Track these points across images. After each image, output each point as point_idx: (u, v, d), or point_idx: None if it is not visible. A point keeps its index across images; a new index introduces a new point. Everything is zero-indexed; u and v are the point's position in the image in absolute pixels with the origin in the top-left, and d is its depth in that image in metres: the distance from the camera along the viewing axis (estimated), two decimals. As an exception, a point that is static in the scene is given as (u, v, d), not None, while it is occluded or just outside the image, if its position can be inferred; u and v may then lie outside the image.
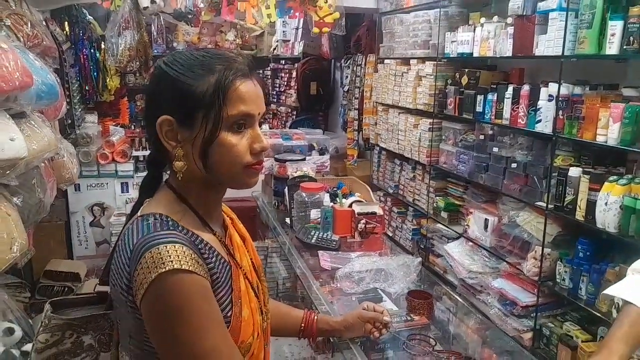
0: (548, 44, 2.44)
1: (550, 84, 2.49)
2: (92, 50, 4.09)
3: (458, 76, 3.29)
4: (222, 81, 0.86)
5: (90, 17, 4.25)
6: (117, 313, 0.90)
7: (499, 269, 2.94)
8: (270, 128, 5.42)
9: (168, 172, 0.95)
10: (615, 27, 2.10)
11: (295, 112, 5.74)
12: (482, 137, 3.07)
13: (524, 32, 2.62)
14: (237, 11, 3.69)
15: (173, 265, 0.79)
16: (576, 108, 2.34)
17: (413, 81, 3.68)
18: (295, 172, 2.56)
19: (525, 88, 2.65)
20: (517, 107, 2.69)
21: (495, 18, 2.91)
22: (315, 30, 3.80)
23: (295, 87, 5.58)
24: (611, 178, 2.17)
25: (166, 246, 0.80)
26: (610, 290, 1.11)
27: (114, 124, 4.63)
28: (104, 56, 4.21)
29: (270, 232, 2.69)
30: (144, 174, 1.00)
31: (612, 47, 2.12)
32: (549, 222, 2.52)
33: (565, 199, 2.38)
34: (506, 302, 2.77)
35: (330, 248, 2.01)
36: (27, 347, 1.73)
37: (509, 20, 2.75)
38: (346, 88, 5.02)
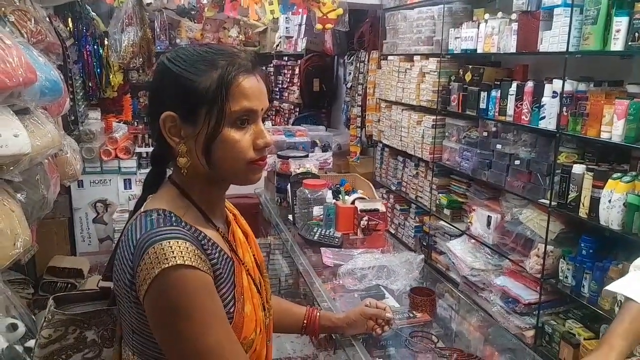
0: (552, 40, 2.43)
1: (554, 80, 2.48)
2: (95, 47, 4.09)
3: (462, 72, 3.28)
4: (225, 77, 0.85)
5: (93, 13, 4.25)
6: (121, 308, 0.90)
7: (501, 266, 2.94)
8: (273, 125, 5.42)
9: (171, 168, 0.95)
10: (620, 23, 2.08)
11: (298, 109, 5.74)
12: (485, 133, 3.07)
13: (528, 28, 2.61)
14: (240, 7, 3.69)
15: (176, 261, 0.79)
16: (580, 105, 2.33)
17: (416, 77, 3.67)
18: (298, 169, 2.55)
19: (529, 84, 2.64)
20: (521, 104, 2.68)
21: (500, 14, 2.90)
22: (319, 26, 3.79)
23: (298, 84, 5.58)
24: (615, 175, 2.16)
25: (169, 242, 0.80)
26: (612, 287, 1.11)
27: (117, 120, 4.64)
28: (107, 52, 4.22)
29: (273, 229, 2.69)
30: (147, 170, 1.00)
31: (617, 43, 2.11)
32: (552, 219, 2.51)
33: (569, 196, 2.37)
34: (509, 299, 2.77)
35: (333, 245, 2.01)
36: (31, 343, 1.74)
37: (513, 16, 2.74)
38: (349, 85, 5.01)
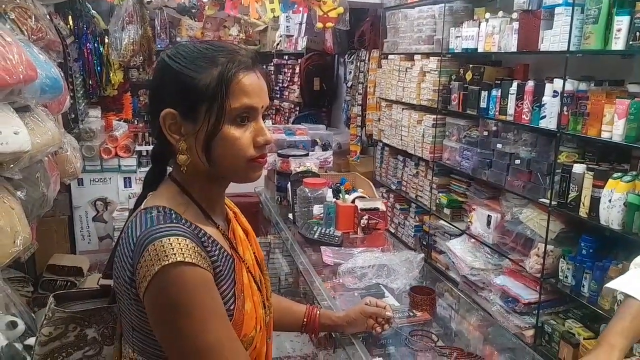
0: (553, 40, 2.43)
1: (555, 79, 2.48)
2: (95, 45, 4.09)
3: (462, 72, 3.27)
4: (225, 74, 0.85)
5: (94, 11, 4.25)
6: (121, 306, 0.90)
7: (501, 265, 2.94)
8: (273, 124, 5.42)
9: (172, 165, 0.95)
10: (621, 23, 2.08)
11: (298, 108, 5.73)
12: (485, 133, 3.06)
13: (529, 27, 2.60)
14: (241, 6, 3.69)
15: (176, 258, 0.78)
16: (581, 104, 2.33)
17: (417, 77, 3.67)
18: (298, 168, 2.55)
19: (530, 84, 2.64)
20: (522, 103, 2.67)
21: (501, 13, 2.89)
22: (319, 25, 3.79)
23: (299, 83, 5.57)
24: (615, 175, 2.16)
25: (169, 239, 0.80)
26: (612, 284, 1.10)
27: (117, 118, 4.63)
28: (107, 50, 4.21)
29: (273, 228, 2.69)
30: (147, 169, 0.99)
31: (618, 43, 2.11)
32: (552, 218, 2.51)
33: (569, 196, 2.37)
34: (508, 299, 2.77)
35: (333, 244, 2.01)
36: (30, 340, 1.74)
37: (514, 15, 2.74)
38: (349, 84, 5.01)
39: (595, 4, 2.20)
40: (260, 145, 0.90)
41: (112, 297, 0.98)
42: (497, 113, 2.88)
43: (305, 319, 1.30)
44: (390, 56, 4.13)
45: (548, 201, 2.51)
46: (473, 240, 3.16)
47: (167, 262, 0.78)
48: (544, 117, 2.53)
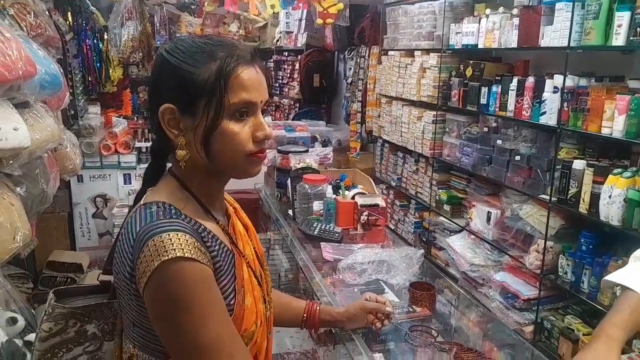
0: (554, 35, 2.42)
1: (555, 75, 2.48)
2: (95, 41, 4.08)
3: (462, 68, 3.27)
4: (223, 68, 0.85)
5: (93, 7, 4.23)
6: (121, 301, 0.90)
7: (501, 262, 2.94)
8: (272, 120, 5.41)
9: (171, 160, 0.95)
10: (622, 18, 2.08)
11: (298, 105, 5.72)
12: (485, 129, 3.06)
13: (529, 23, 2.60)
14: (241, 2, 3.68)
15: (176, 254, 0.78)
16: (581, 100, 2.32)
17: (417, 73, 3.66)
18: (298, 164, 2.55)
19: (530, 80, 2.63)
20: (522, 99, 2.67)
21: (501, 9, 2.89)
22: (319, 21, 3.78)
23: (298, 79, 5.56)
24: (615, 171, 2.16)
25: (169, 234, 0.80)
26: (612, 277, 1.10)
27: (116, 115, 4.63)
28: (107, 47, 4.20)
29: (273, 224, 2.69)
30: (147, 165, 0.99)
31: (618, 39, 2.10)
32: (552, 215, 2.51)
33: (569, 192, 2.37)
34: (508, 295, 2.77)
35: (333, 240, 2.01)
36: (30, 336, 1.74)
37: (515, 11, 2.73)
38: (349, 80, 5.00)
39: (596, -1, 2.20)
40: (259, 140, 0.89)
41: (112, 293, 0.98)
42: (497, 109, 2.88)
43: (305, 315, 1.30)
44: (390, 52, 4.12)
45: (548, 197, 2.51)
46: (473, 236, 3.17)
47: (166, 258, 0.78)
48: (544, 113, 2.52)
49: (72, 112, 3.74)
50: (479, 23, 3.01)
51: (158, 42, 4.47)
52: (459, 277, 3.19)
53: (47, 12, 2.63)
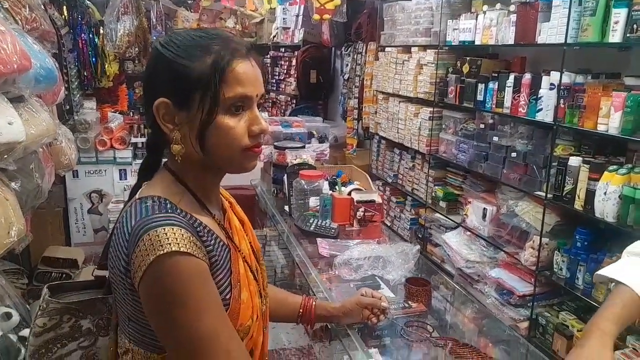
0: (551, 32, 2.42)
1: (552, 72, 2.48)
2: (90, 36, 4.06)
3: (459, 64, 3.27)
4: (219, 62, 0.84)
5: (88, 1, 4.21)
6: (116, 296, 0.89)
7: (496, 258, 2.95)
8: (269, 116, 5.40)
9: (167, 155, 0.94)
10: (619, 15, 2.08)
11: (294, 101, 5.71)
12: (482, 126, 3.06)
13: (526, 19, 2.60)
14: (237, -3, 3.66)
15: (171, 248, 0.78)
16: (578, 97, 2.33)
17: (414, 69, 3.66)
18: (295, 160, 2.54)
19: (527, 76, 2.63)
20: (518, 96, 2.67)
21: (498, 5, 2.89)
22: (316, 17, 3.77)
23: (295, 75, 5.55)
24: (611, 167, 2.17)
25: (164, 229, 0.79)
26: (604, 271, 1.10)
27: (112, 110, 4.61)
28: (102, 42, 4.18)
29: (269, 221, 2.69)
30: (142, 159, 0.99)
31: (615, 35, 2.10)
32: (547, 211, 2.52)
33: (565, 189, 2.38)
34: (503, 291, 2.78)
35: (329, 236, 2.01)
36: (25, 332, 1.73)
37: (512, 7, 2.73)
38: (346, 76, 4.99)
39: (592, -4, 2.20)
40: (255, 134, 0.89)
41: (107, 288, 0.98)
42: (493, 106, 2.88)
43: (301, 310, 1.30)
44: (387, 49, 4.11)
45: (544, 194, 2.51)
46: (468, 233, 3.17)
47: (162, 252, 0.78)
48: (541, 109, 2.53)
49: (68, 107, 3.72)
50: (476, 19, 3.01)
51: (154, 37, 4.46)
52: (454, 273, 3.20)
53: (42, 6, 2.61)
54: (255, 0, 4.02)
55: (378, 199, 2.11)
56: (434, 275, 1.87)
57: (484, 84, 2.96)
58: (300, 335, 2.90)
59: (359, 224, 2.07)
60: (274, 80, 6.06)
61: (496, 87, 2.85)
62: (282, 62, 5.87)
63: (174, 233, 0.79)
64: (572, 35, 2.32)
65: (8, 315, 1.73)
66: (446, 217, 3.42)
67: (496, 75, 2.89)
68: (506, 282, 2.76)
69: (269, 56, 5.99)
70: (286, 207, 2.42)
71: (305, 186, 2.22)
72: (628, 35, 2.06)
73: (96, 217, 4.23)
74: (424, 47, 3.60)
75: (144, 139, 4.28)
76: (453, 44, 3.27)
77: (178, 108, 0.86)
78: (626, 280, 1.02)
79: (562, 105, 2.41)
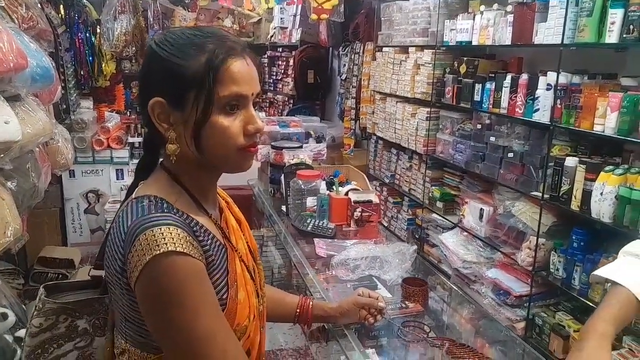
0: (548, 32, 2.43)
1: (548, 73, 2.49)
2: (87, 35, 4.05)
3: (456, 65, 3.27)
4: (213, 61, 0.83)
5: (85, 0, 4.20)
6: (112, 296, 0.89)
7: (493, 259, 2.95)
8: (266, 116, 5.40)
9: (163, 154, 0.93)
10: (615, 15, 2.08)
11: (292, 101, 5.71)
12: (479, 126, 3.07)
13: (523, 20, 2.60)
14: (235, -3, 3.66)
15: (167, 248, 0.78)
16: (574, 97, 2.33)
17: (411, 69, 3.66)
18: (292, 160, 2.54)
19: (524, 77, 2.64)
20: (515, 96, 2.68)
21: (495, 6, 2.89)
22: (313, 16, 3.77)
23: (293, 75, 5.55)
24: (607, 168, 2.17)
25: (160, 228, 0.79)
26: (600, 272, 1.10)
27: (109, 110, 4.60)
28: (99, 41, 4.17)
29: (266, 221, 2.69)
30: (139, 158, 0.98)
31: (612, 36, 2.11)
32: (544, 212, 2.52)
33: (561, 189, 2.38)
34: (500, 291, 2.79)
35: (326, 236, 2.01)
36: (21, 332, 1.73)
37: (509, 8, 2.74)
38: (344, 76, 4.99)
39: (589, -3, 2.20)
40: (250, 133, 0.88)
41: (103, 288, 0.98)
42: (490, 106, 2.89)
43: (298, 310, 1.30)
44: (384, 49, 4.11)
45: (540, 194, 2.52)
46: (465, 233, 3.18)
47: (158, 252, 0.77)
48: (537, 110, 2.53)
49: (64, 106, 3.71)
50: (473, 20, 3.01)
51: (151, 37, 4.45)
52: (451, 273, 3.21)
53: (39, 5, 2.60)
54: (253, -1, 4.02)
55: (375, 199, 2.12)
56: (431, 276, 1.87)
57: (481, 84, 2.96)
58: (297, 335, 2.90)
59: (356, 224, 2.07)
60: (271, 80, 6.06)
61: (493, 87, 2.86)
62: (280, 62, 5.87)
63: (170, 233, 0.79)
64: (568, 35, 2.33)
65: (4, 316, 1.72)
66: (443, 217, 3.42)
67: (493, 75, 2.90)
68: (503, 282, 2.76)
69: (266, 56, 5.99)
70: (283, 207, 2.42)
71: (302, 186, 2.22)
72: (624, 35, 2.07)
73: (93, 217, 4.22)
74: (421, 47, 3.60)
75: (140, 139, 4.27)
76: (450, 44, 3.27)
77: (173, 107, 0.85)
78: (622, 280, 1.02)
79: (558, 106, 2.41)
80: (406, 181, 3.92)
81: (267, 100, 6.14)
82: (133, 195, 0.89)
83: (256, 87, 0.89)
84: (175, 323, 0.79)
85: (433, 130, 3.52)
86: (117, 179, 4.24)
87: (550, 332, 2.47)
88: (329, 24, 4.82)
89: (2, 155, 1.66)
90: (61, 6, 3.79)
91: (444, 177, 3.56)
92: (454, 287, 1.84)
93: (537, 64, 2.82)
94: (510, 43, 2.72)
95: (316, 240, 1.99)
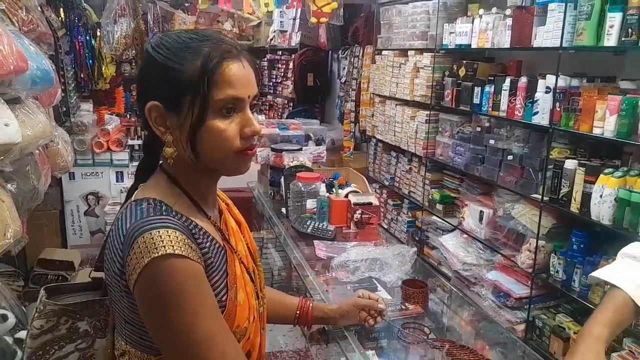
0: (546, 36, 2.44)
1: (547, 76, 2.49)
2: (87, 38, 4.05)
3: (456, 68, 3.28)
4: (208, 64, 0.83)
5: (85, 4, 4.21)
6: (112, 298, 0.89)
7: (493, 261, 2.95)
8: (266, 119, 5.40)
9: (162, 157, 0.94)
10: (614, 19, 2.09)
11: (291, 104, 5.72)
12: (478, 129, 3.08)
13: (522, 23, 2.61)
14: (235, 0, 3.66)
15: (166, 250, 0.78)
16: (573, 100, 2.34)
17: (410, 73, 3.67)
18: (292, 162, 2.54)
19: (523, 80, 2.65)
20: (514, 99, 2.69)
21: (494, 9, 2.90)
22: (313, 20, 3.77)
23: (292, 79, 5.56)
24: (607, 170, 2.18)
25: (159, 231, 0.79)
26: (598, 273, 1.10)
27: (109, 112, 4.60)
28: (99, 44, 4.18)
29: (266, 223, 2.69)
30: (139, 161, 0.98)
31: (610, 39, 2.12)
32: (543, 214, 2.53)
33: (561, 191, 2.39)
34: (500, 294, 2.79)
35: (326, 238, 2.01)
36: (21, 334, 1.73)
37: (508, 11, 2.75)
38: (343, 79, 5.01)
39: (588, 0, 2.21)
40: (247, 136, 0.87)
41: (104, 290, 0.98)
42: (490, 109, 2.89)
43: (298, 312, 1.30)
44: (384, 52, 4.13)
45: (540, 197, 2.52)
46: (465, 235, 3.18)
47: (156, 255, 0.77)
48: (537, 113, 2.54)
49: (64, 109, 3.71)
50: (472, 23, 3.02)
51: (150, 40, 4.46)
52: (451, 276, 3.21)
53: (39, 8, 2.61)
54: (253, 3, 4.02)
55: (375, 202, 2.12)
56: (431, 278, 1.87)
57: (480, 88, 2.97)
58: (297, 337, 2.90)
59: (356, 227, 2.07)
60: (271, 83, 6.07)
61: (492, 90, 2.87)
62: (280, 65, 5.88)
63: (169, 236, 0.79)
64: (567, 39, 2.34)
65: (4, 317, 1.72)
66: (443, 219, 3.43)
67: (492, 78, 2.91)
68: (503, 284, 2.76)
69: (266, 59, 6.00)
70: (283, 210, 2.42)
71: (302, 188, 2.22)
72: (623, 39, 2.08)
73: (92, 219, 4.22)
74: (421, 51, 3.61)
75: (140, 141, 4.27)
76: (449, 47, 3.28)
77: (169, 111, 0.85)
78: (619, 282, 1.02)
79: (557, 109, 2.42)
80: (406, 184, 3.93)
81: (267, 103, 6.15)
82: (132, 198, 0.89)
83: (253, 90, 0.88)
84: (174, 325, 0.79)
85: (432, 133, 3.52)
86: (117, 182, 4.24)
87: (550, 334, 2.47)
88: (328, 27, 4.83)
89: (2, 157, 1.67)
90: (61, 9, 3.80)
91: (443, 180, 3.56)
92: (454, 289, 1.84)
93: (536, 67, 2.83)
94: (509, 46, 2.73)
95: (316, 242, 1.99)
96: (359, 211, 2.06)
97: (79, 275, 3.37)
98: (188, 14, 4.92)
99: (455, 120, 3.35)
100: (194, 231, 0.85)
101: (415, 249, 1.82)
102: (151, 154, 0.95)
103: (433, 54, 3.43)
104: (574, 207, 2.32)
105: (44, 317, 0.96)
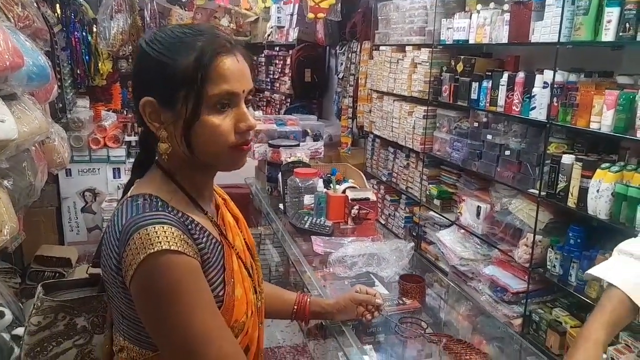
0: (544, 31, 2.44)
1: (545, 71, 2.49)
2: (84, 34, 4.04)
3: (453, 63, 3.28)
4: (201, 59, 0.82)
5: (81, -1, 4.19)
6: (109, 294, 0.89)
7: (490, 256, 2.96)
8: (263, 114, 5.39)
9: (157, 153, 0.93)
10: (611, 14, 2.09)
11: (289, 100, 5.71)
12: (476, 124, 3.08)
13: (520, 18, 2.61)
14: (232, -5, 3.65)
15: (162, 246, 0.78)
16: (571, 95, 2.34)
17: (408, 68, 3.67)
18: (289, 158, 2.55)
19: (520, 75, 2.65)
20: (512, 95, 2.69)
21: (492, 4, 2.90)
22: (310, 15, 3.76)
23: (290, 74, 5.54)
24: (604, 165, 2.18)
25: (155, 227, 0.79)
26: (594, 270, 1.10)
27: (106, 109, 4.59)
28: (96, 40, 4.16)
29: (264, 219, 2.69)
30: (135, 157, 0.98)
31: (608, 34, 2.12)
32: (541, 209, 2.53)
33: (558, 186, 2.39)
34: (497, 288, 2.80)
35: (324, 233, 2.02)
36: (18, 330, 1.73)
37: (506, 6, 2.74)
38: (341, 75, 4.99)
39: (585, -5, 2.21)
40: (242, 131, 0.87)
41: (101, 286, 0.98)
42: (487, 104, 2.89)
43: (295, 307, 1.30)
44: (381, 47, 4.12)
45: (537, 192, 2.53)
46: (462, 230, 3.18)
47: (152, 251, 0.77)
48: (534, 108, 2.54)
49: (61, 105, 3.70)
50: (470, 18, 3.02)
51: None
52: (448, 271, 3.21)
53: (35, 4, 2.59)
54: (250, -2, 4.01)
55: (372, 197, 2.12)
56: (428, 273, 1.87)
57: (477, 83, 2.97)
58: (295, 332, 2.91)
59: (353, 222, 2.08)
60: (268, 79, 6.05)
61: (490, 85, 2.86)
62: (277, 61, 5.87)
63: (165, 231, 0.79)
64: (565, 34, 2.33)
65: (1, 314, 1.72)
66: (440, 215, 3.43)
67: (490, 73, 2.90)
68: (500, 279, 2.77)
69: (263, 55, 5.98)
70: (281, 205, 2.43)
71: (299, 184, 2.22)
72: (620, 34, 2.08)
73: (89, 215, 4.21)
74: (418, 46, 3.60)
75: (137, 138, 4.25)
76: (447, 42, 3.28)
77: (163, 106, 0.85)
78: (615, 281, 1.02)
79: (555, 104, 2.42)
80: (403, 179, 3.93)
81: (265, 99, 6.14)
82: (128, 194, 0.89)
83: (248, 84, 0.88)
84: (171, 321, 0.79)
85: (430, 129, 3.52)
86: (114, 178, 4.23)
87: (547, 329, 2.48)
88: (326, 22, 4.82)
89: (-2, 153, 1.66)
90: (57, 5, 3.78)
91: (441, 175, 3.57)
92: (451, 284, 1.85)
93: (533, 62, 2.83)
94: (506, 41, 2.72)
95: (313, 237, 1.99)
96: (356, 207, 2.06)
97: (76, 271, 3.38)
98: (185, 10, 4.90)
99: (453, 115, 3.34)
100: (190, 227, 0.85)
101: (412, 244, 1.83)
102: (147, 150, 0.95)
103: (431, 49, 3.42)
104: (571, 202, 2.33)
105: (41, 314, 0.96)
